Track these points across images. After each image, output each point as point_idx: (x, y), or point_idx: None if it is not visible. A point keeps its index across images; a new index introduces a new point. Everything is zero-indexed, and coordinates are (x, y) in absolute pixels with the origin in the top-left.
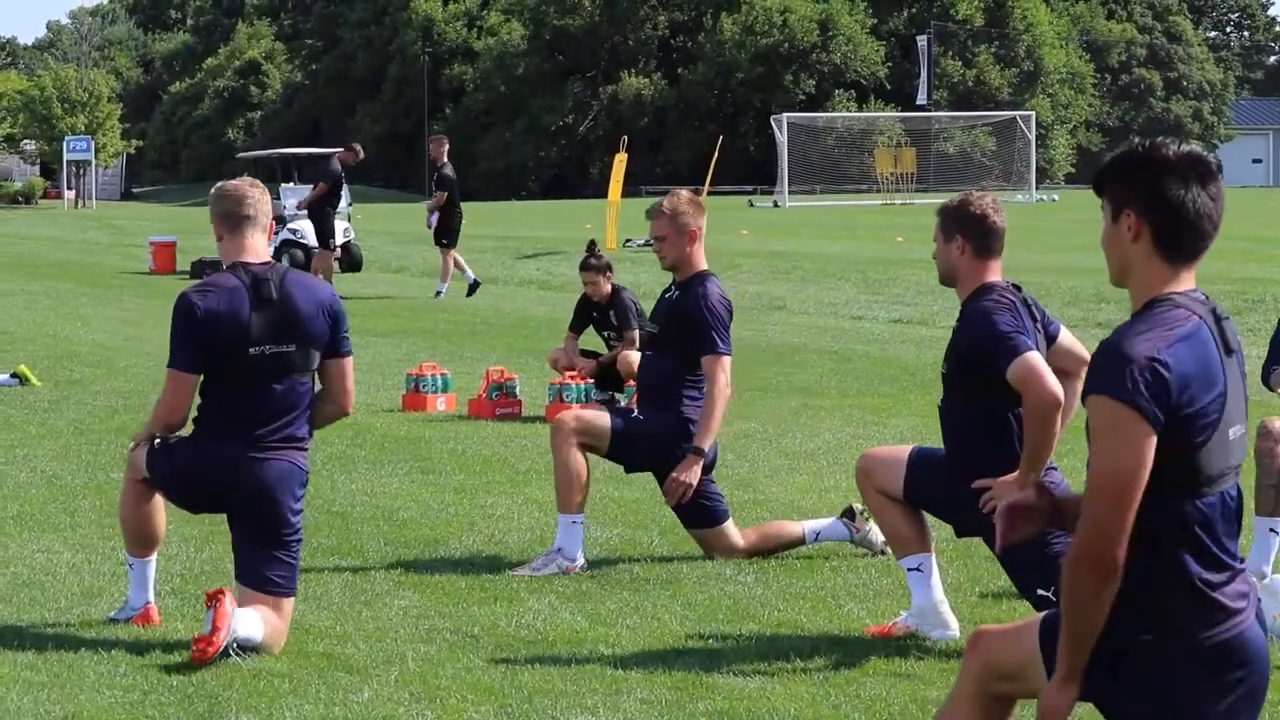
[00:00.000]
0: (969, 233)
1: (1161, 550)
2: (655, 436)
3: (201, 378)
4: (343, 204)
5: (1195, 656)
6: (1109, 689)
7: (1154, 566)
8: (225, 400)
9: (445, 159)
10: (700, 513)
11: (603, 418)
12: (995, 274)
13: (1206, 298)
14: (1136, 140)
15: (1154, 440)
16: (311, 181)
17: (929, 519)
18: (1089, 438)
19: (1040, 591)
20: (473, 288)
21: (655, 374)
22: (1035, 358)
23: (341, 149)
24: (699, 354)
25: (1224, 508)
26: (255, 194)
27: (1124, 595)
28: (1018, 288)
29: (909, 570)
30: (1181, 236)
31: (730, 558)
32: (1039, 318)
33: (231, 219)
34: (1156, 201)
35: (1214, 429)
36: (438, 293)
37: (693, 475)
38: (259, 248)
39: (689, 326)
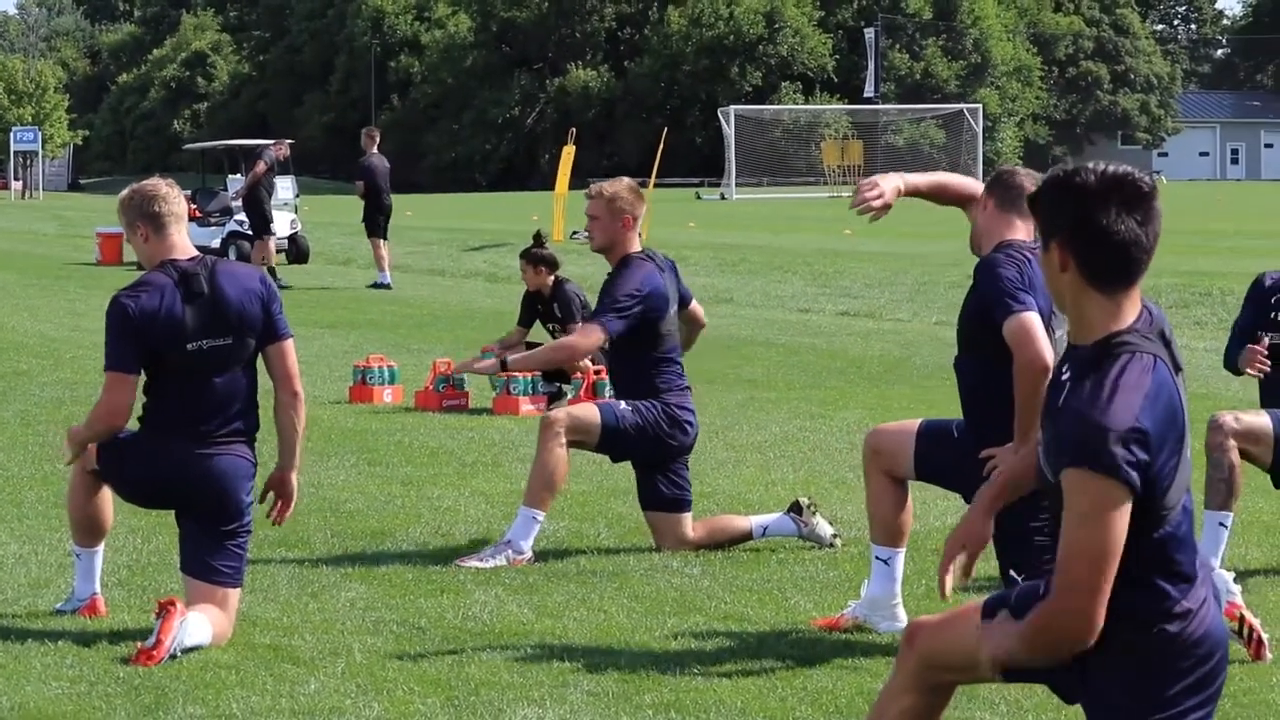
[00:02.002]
0: (996, 189)
1: (1136, 578)
2: (642, 427)
3: (138, 378)
4: (289, 195)
5: (1176, 658)
6: (1082, 690)
7: (1128, 593)
8: (168, 398)
9: (371, 150)
10: (666, 495)
11: (593, 413)
12: (1020, 233)
13: (1153, 318)
14: (1060, 166)
15: (1130, 506)
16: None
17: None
18: (1054, 492)
19: (1012, 573)
20: (379, 285)
21: (623, 366)
22: (1030, 318)
23: (273, 143)
24: (652, 332)
25: (1186, 517)
26: (172, 191)
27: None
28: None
29: (877, 559)
30: (1108, 266)
31: (678, 549)
32: None
33: (155, 219)
34: (1079, 232)
35: (1179, 461)
36: (383, 284)
37: (476, 365)
38: (184, 244)
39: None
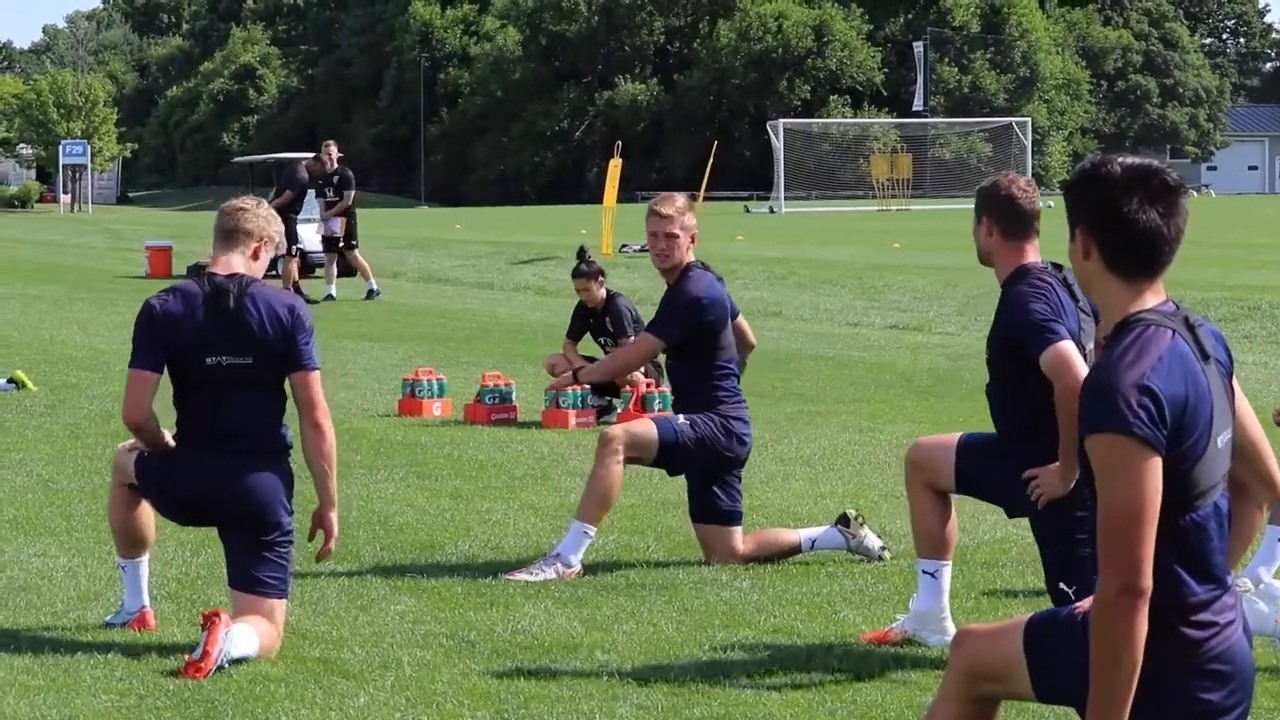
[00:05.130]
0: (994, 214)
1: (1158, 567)
2: (700, 440)
3: (159, 378)
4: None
5: (1192, 671)
6: None
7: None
8: (197, 413)
9: (337, 161)
10: (719, 508)
11: (650, 430)
12: (1031, 255)
13: (1178, 307)
14: (1090, 157)
15: (1160, 465)
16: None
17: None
18: (1090, 477)
19: (1062, 586)
20: (328, 298)
21: (683, 379)
22: (1066, 347)
23: (310, 156)
24: (711, 345)
25: (1216, 516)
26: (229, 210)
27: None
28: (1059, 267)
29: (924, 573)
30: (1128, 254)
31: (728, 563)
32: (1081, 298)
33: (216, 233)
34: (1101, 219)
35: (1206, 442)
36: (373, 291)
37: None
38: (226, 260)
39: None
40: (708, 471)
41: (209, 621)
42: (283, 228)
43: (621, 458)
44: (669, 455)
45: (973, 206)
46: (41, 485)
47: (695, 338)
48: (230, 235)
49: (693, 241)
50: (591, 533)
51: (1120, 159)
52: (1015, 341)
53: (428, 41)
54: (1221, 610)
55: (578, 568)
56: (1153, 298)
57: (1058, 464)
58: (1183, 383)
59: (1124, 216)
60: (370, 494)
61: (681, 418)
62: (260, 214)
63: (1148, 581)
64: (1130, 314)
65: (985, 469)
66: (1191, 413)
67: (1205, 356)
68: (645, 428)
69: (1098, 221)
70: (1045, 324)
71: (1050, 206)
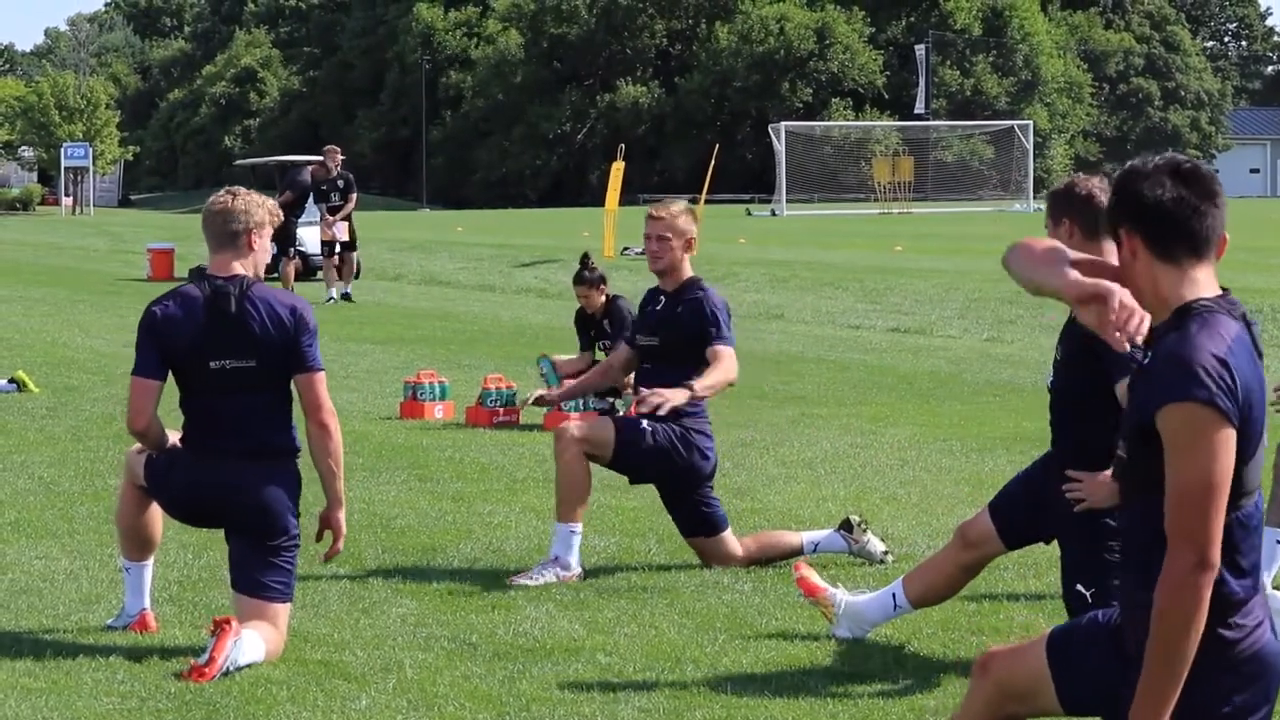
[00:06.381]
0: (1075, 215)
1: None
2: (659, 448)
3: (161, 385)
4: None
5: (1227, 670)
6: (1130, 700)
7: None
8: (203, 417)
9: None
10: (699, 520)
11: (607, 428)
12: (1110, 257)
13: (1235, 303)
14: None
15: (1235, 438)
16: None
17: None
18: (1142, 456)
19: (1079, 588)
20: (330, 300)
21: (658, 387)
22: None
23: (317, 161)
24: (702, 355)
25: (1256, 517)
26: (215, 210)
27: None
28: None
29: (898, 606)
30: (1168, 235)
31: (728, 566)
32: None
33: (206, 236)
34: (1136, 208)
35: (1260, 439)
36: (343, 296)
37: (675, 397)
38: (223, 261)
39: (693, 331)
40: (674, 487)
41: (219, 628)
42: (270, 203)
43: (576, 450)
44: (626, 456)
45: (1048, 210)
46: (43, 487)
47: (699, 339)
48: (219, 236)
49: (689, 248)
50: (577, 530)
51: (1149, 155)
52: (1093, 356)
53: (429, 44)
54: (1252, 610)
55: (576, 569)
56: (1207, 285)
57: (1108, 474)
58: (1249, 370)
59: (1157, 200)
60: (372, 497)
61: (645, 422)
62: (239, 206)
63: (1219, 556)
64: (1188, 300)
65: (1022, 501)
66: (1256, 405)
67: (1260, 355)
68: (602, 424)
69: (1136, 214)
70: (1132, 357)
71: None
